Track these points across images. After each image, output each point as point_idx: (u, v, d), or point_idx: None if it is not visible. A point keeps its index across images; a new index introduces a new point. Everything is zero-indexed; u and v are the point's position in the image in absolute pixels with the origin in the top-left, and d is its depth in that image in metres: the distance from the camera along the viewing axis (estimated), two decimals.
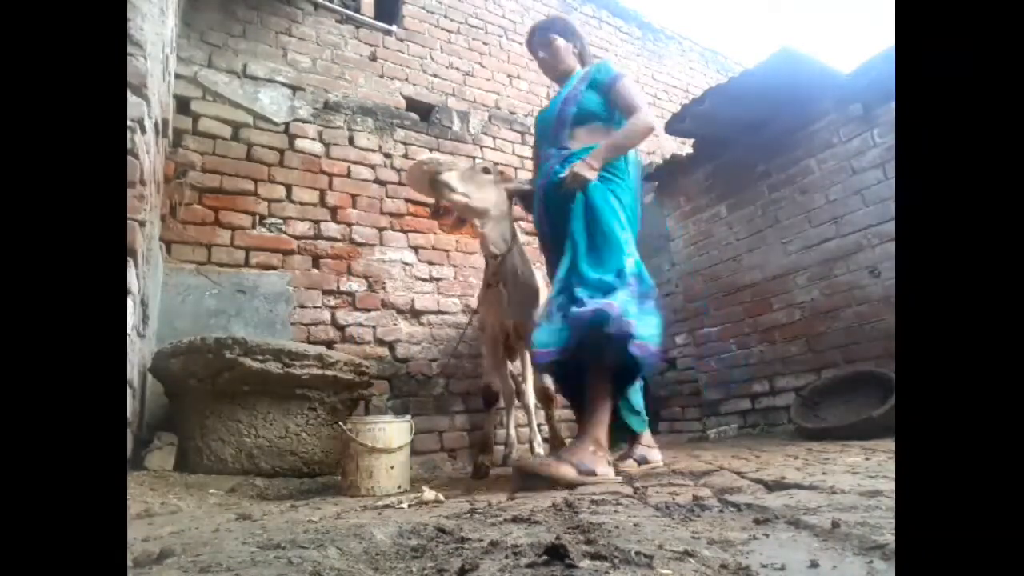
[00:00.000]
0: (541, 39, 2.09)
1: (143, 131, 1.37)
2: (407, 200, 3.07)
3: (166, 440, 1.81)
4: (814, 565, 0.53)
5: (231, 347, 1.70)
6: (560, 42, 2.06)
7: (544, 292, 2.06)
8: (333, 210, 2.86)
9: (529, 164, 3.68)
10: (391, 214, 3.03)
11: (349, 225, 2.88)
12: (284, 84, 2.93)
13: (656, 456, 1.89)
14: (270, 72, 2.91)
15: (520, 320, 2.07)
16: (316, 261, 2.73)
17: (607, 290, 1.52)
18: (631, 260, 1.62)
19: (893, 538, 0.57)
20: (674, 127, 3.77)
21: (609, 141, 1.77)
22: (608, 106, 1.88)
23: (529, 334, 1.83)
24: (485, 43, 3.87)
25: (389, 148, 3.14)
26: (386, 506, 1.17)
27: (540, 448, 2.53)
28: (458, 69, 3.65)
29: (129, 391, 1.41)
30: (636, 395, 1.96)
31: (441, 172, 1.83)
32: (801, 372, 3.20)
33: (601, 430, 1.51)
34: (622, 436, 1.92)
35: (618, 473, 1.56)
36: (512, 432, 2.67)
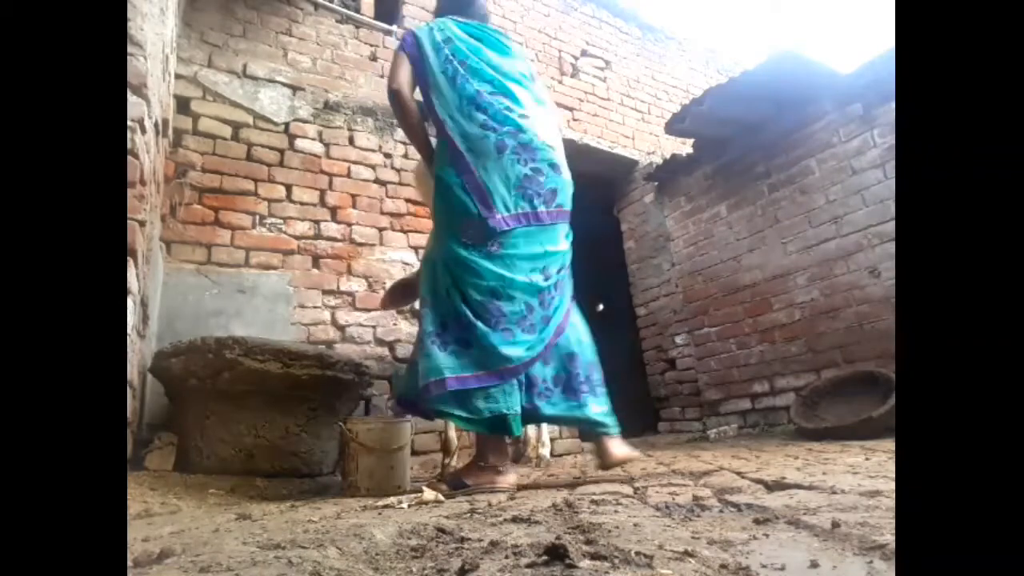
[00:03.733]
0: None
1: (143, 131, 1.37)
2: (407, 200, 3.07)
3: (166, 440, 1.81)
4: (814, 565, 0.53)
5: (231, 347, 1.70)
6: None
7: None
8: (333, 210, 2.86)
9: None
10: (391, 214, 3.03)
11: (349, 225, 2.88)
12: (284, 84, 2.93)
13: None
14: (270, 72, 2.91)
15: None
16: (316, 261, 2.73)
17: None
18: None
19: (893, 538, 0.57)
20: (674, 127, 3.77)
21: None
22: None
23: None
24: None
25: (389, 148, 3.14)
26: (386, 506, 1.17)
27: (546, 449, 2.52)
28: None
29: (129, 391, 1.41)
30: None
31: None
32: (801, 372, 3.20)
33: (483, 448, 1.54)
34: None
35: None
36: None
